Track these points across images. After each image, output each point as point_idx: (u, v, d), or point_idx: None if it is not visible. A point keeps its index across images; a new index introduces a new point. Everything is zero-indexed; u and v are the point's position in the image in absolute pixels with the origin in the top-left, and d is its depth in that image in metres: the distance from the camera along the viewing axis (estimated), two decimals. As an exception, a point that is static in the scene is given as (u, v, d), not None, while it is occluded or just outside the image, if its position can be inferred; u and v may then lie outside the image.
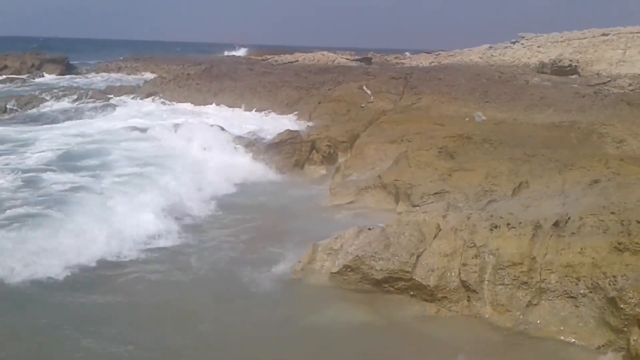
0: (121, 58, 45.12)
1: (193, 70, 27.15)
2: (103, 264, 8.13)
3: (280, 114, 19.48)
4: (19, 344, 6.04)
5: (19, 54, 41.95)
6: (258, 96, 21.63)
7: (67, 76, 34.89)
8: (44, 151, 13.87)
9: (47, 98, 22.05)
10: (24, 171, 11.90)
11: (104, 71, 33.86)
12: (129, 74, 32.15)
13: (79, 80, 32.62)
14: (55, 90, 23.45)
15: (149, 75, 31.18)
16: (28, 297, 6.98)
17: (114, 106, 21.01)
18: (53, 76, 34.22)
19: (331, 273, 8.00)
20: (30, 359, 5.91)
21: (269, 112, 20.00)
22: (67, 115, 19.65)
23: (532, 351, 6.52)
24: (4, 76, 34.11)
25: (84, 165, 12.64)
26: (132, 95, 23.58)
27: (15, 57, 39.55)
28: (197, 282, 7.86)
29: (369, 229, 8.35)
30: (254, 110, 20.46)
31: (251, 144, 15.18)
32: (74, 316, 6.65)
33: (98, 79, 32.38)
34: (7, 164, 12.53)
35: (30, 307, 6.79)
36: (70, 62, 41.79)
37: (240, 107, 20.83)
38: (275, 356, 6.21)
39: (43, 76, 33.85)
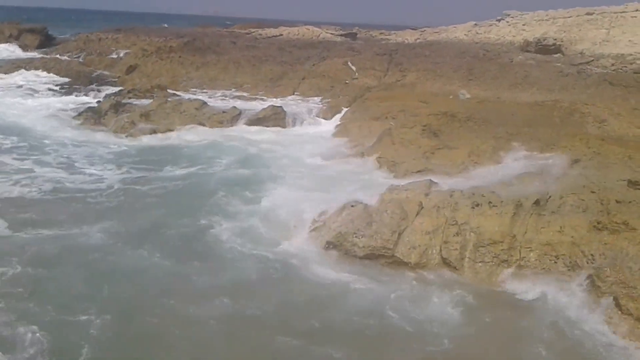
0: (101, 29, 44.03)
1: (175, 42, 26.56)
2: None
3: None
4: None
5: (-4, 24, 40.77)
6: (242, 70, 21.38)
7: (46, 49, 33.73)
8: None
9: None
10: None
11: (84, 42, 32.97)
12: (110, 47, 31.27)
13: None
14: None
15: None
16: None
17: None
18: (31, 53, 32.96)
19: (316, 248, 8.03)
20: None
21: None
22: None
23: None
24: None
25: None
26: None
27: (-8, 27, 38.44)
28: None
29: (352, 205, 8.37)
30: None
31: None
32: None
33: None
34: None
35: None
36: (50, 33, 40.77)
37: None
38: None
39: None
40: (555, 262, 7.21)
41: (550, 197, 8.03)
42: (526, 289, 7.06)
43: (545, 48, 21.81)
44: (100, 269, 7.26)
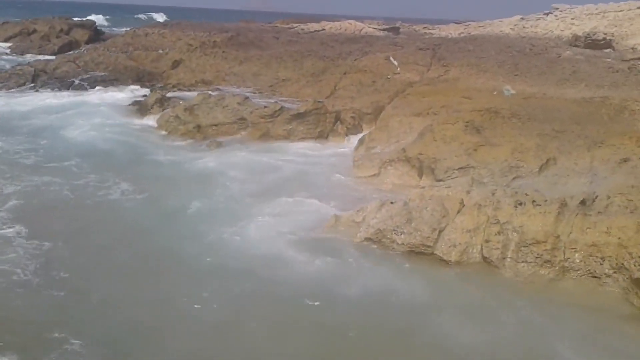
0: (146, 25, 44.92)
1: (219, 37, 26.93)
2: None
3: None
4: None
5: (48, 18, 42.06)
6: (284, 65, 21.48)
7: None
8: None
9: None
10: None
11: (132, 37, 33.76)
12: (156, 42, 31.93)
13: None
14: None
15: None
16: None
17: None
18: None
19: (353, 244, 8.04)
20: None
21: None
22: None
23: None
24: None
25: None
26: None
27: (45, 22, 39.65)
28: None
29: (391, 202, 8.34)
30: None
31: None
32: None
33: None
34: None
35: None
36: (98, 28, 41.92)
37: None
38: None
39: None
40: (601, 264, 7.03)
41: (597, 196, 7.81)
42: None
43: (595, 43, 21.17)
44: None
